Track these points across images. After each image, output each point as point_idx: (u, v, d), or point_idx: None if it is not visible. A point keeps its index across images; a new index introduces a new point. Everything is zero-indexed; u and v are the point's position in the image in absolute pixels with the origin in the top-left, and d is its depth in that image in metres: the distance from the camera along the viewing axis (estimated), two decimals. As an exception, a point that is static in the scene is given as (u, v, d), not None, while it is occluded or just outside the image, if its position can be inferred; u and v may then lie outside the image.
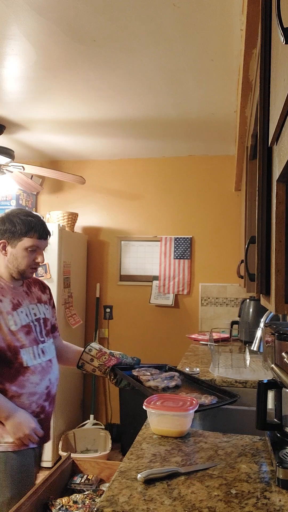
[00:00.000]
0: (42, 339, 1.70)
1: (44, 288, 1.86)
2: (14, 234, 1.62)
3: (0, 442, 1.54)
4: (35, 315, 1.72)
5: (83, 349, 1.85)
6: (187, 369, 2.16)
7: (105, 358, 1.78)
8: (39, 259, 1.66)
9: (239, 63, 1.93)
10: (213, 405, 1.47)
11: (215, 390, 1.62)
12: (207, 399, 1.49)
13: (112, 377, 1.76)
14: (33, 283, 1.82)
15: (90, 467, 1.57)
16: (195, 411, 1.44)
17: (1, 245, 1.64)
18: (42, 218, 1.72)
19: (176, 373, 1.74)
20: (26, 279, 1.74)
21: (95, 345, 1.85)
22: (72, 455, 1.62)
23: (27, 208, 4.03)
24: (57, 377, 1.76)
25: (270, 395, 1.22)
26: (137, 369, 1.77)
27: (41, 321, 1.74)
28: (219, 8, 1.74)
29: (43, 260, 1.67)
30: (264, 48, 1.10)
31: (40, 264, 1.68)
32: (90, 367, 1.79)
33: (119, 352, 1.84)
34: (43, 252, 1.70)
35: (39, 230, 1.65)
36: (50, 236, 1.72)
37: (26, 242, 1.62)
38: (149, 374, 1.70)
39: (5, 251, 1.64)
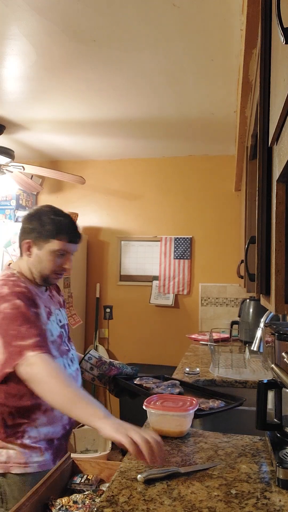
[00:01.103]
0: (66, 348, 1.57)
1: (58, 290, 1.73)
2: (41, 235, 1.46)
3: (29, 462, 1.41)
4: (60, 321, 1.58)
5: (82, 356, 1.77)
6: (187, 369, 2.16)
7: (105, 367, 1.71)
8: (67, 265, 1.48)
9: (239, 63, 1.93)
10: (221, 408, 1.49)
11: (218, 395, 1.63)
12: (215, 403, 1.50)
13: (112, 387, 1.71)
14: (51, 286, 1.68)
15: (90, 467, 1.57)
16: (206, 414, 1.45)
17: (26, 245, 1.48)
18: (72, 218, 1.54)
19: (177, 381, 1.72)
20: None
21: (94, 353, 1.77)
22: (72, 455, 1.61)
23: (27, 208, 4.03)
24: (81, 385, 1.63)
25: (270, 395, 1.22)
26: (138, 379, 1.73)
27: (66, 327, 1.61)
28: (219, 8, 1.74)
29: (71, 266, 1.49)
30: (264, 48, 1.10)
31: (67, 270, 1.50)
32: (89, 376, 1.72)
33: (118, 361, 1.78)
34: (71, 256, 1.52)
35: (70, 233, 1.47)
36: (80, 240, 1.53)
37: (54, 244, 1.45)
38: (151, 382, 1.68)
39: (30, 252, 1.48)
